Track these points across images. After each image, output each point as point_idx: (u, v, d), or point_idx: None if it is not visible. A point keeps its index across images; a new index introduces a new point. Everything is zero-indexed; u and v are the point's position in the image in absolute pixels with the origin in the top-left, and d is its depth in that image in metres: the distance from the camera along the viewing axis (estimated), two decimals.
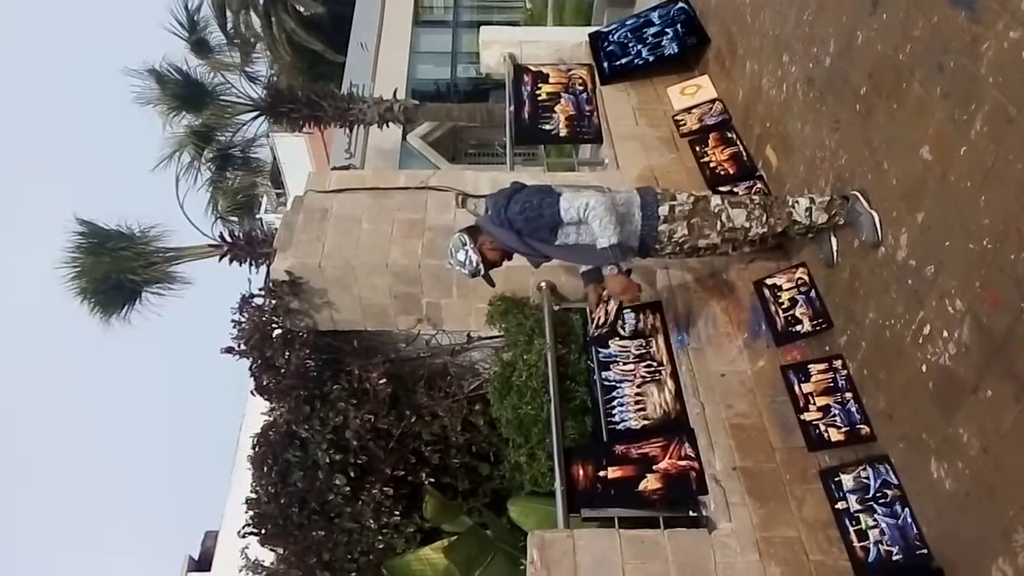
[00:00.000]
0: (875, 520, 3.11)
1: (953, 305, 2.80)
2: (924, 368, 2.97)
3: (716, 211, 3.46)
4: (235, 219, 9.52)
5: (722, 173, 4.77)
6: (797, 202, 3.56)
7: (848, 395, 3.46)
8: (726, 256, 3.93)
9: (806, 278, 3.94)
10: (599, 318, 3.68)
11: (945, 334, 2.85)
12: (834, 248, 3.62)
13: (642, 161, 5.10)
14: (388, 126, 10.25)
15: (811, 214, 3.51)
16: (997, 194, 2.55)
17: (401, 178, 5.07)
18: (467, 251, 3.40)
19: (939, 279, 2.89)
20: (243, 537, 5.43)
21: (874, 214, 3.28)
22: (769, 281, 4.05)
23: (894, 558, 3.00)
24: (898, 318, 3.16)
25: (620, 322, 4.06)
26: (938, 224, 2.90)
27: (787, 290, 3.95)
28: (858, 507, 3.18)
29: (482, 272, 3.47)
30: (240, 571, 12.54)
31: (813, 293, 3.87)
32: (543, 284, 4.51)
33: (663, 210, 3.41)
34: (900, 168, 3.15)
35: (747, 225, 3.48)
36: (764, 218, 3.49)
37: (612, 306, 3.61)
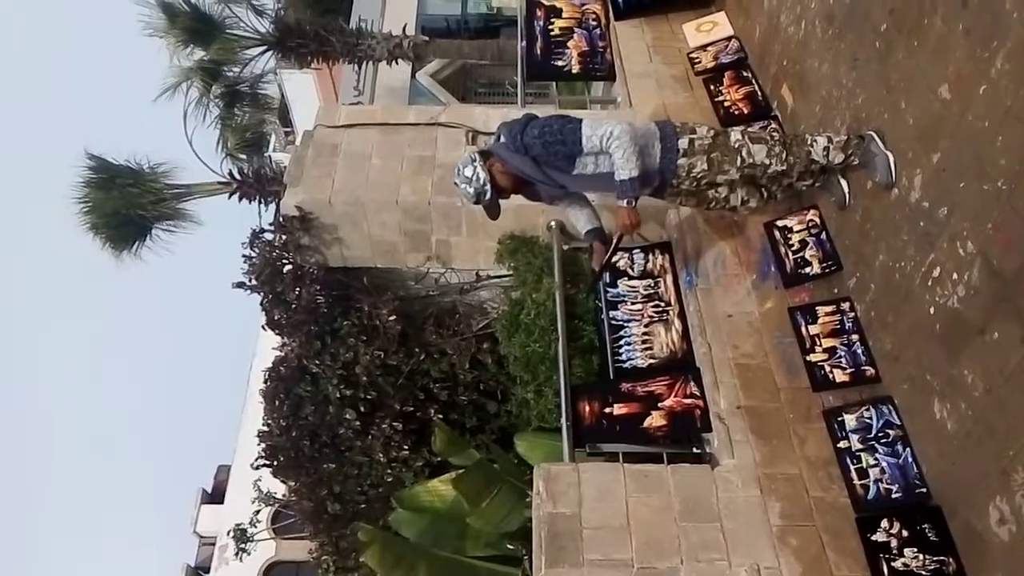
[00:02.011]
0: (876, 459, 3.16)
1: (964, 247, 2.79)
2: (932, 310, 2.97)
3: (736, 146, 3.35)
4: (244, 156, 9.45)
5: (736, 113, 4.70)
6: (815, 140, 3.49)
7: (855, 337, 3.48)
8: (735, 211, 3.77)
9: (817, 220, 3.91)
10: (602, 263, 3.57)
11: (955, 276, 2.85)
12: (845, 190, 3.57)
13: (656, 99, 5.02)
14: (397, 63, 10.07)
15: (828, 153, 3.43)
16: (1015, 134, 2.52)
17: (411, 114, 5.03)
18: (475, 167, 3.21)
19: (952, 221, 2.87)
20: (256, 469, 5.57)
21: (889, 155, 3.24)
22: (780, 223, 4.02)
23: (893, 496, 3.06)
24: (908, 260, 3.15)
25: (627, 260, 4.05)
26: (953, 165, 2.86)
27: (797, 232, 3.93)
28: (860, 446, 3.22)
29: (488, 195, 3.23)
30: (252, 502, 12.88)
31: (824, 235, 3.84)
32: (552, 223, 4.50)
33: (683, 143, 3.30)
34: (918, 108, 3.10)
35: (767, 162, 3.38)
36: (783, 155, 3.40)
37: (617, 241, 3.48)
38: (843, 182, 3.54)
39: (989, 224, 2.65)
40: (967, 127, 2.76)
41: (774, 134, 3.62)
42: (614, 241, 3.44)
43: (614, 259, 3.60)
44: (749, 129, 3.56)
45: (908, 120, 3.15)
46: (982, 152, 2.67)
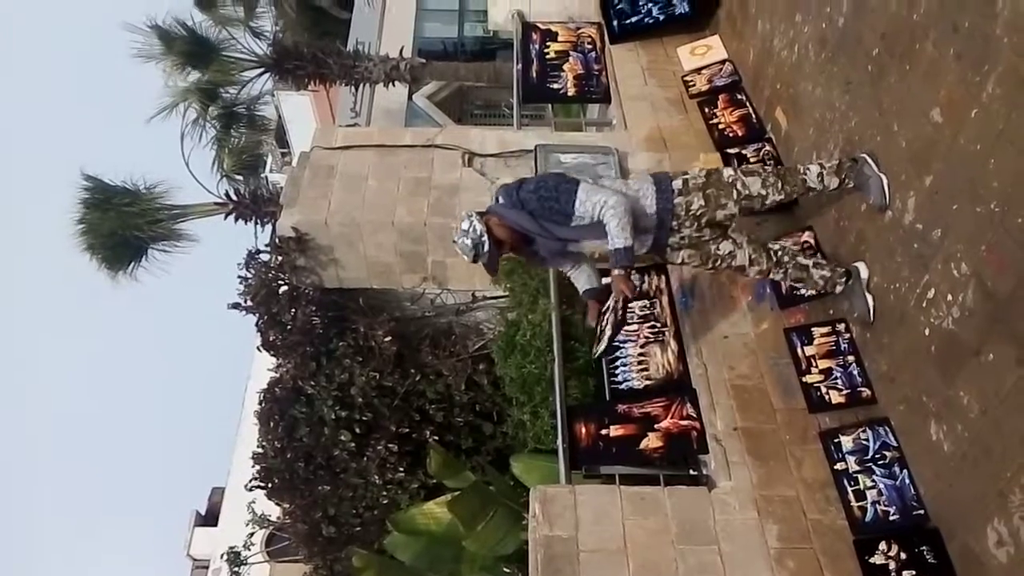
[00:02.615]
0: (873, 481, 3.15)
1: (958, 269, 2.80)
2: (927, 331, 2.98)
3: (730, 180, 3.34)
4: (240, 177, 9.48)
5: (731, 135, 4.74)
6: (808, 168, 3.51)
7: (850, 358, 3.48)
8: (743, 272, 3.56)
9: (812, 242, 3.93)
10: (605, 329, 3.39)
11: (949, 298, 2.86)
12: (870, 305, 3.38)
13: (651, 122, 5.06)
14: (394, 85, 10.14)
15: (823, 179, 3.43)
16: (1007, 157, 2.54)
17: (407, 136, 5.05)
18: (472, 221, 3.16)
19: (945, 243, 2.88)
20: (250, 491, 5.53)
21: (883, 177, 3.26)
22: (774, 246, 4.04)
23: (891, 518, 3.05)
24: (903, 282, 3.16)
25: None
26: (946, 187, 2.88)
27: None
28: (857, 468, 3.21)
29: (486, 247, 3.15)
30: (247, 525, 12.76)
31: (818, 256, 3.86)
32: None
33: (677, 184, 3.28)
34: (910, 131, 3.13)
35: (763, 192, 3.36)
36: (779, 184, 3.39)
37: (619, 308, 3.27)
38: (868, 297, 3.39)
39: (983, 246, 2.67)
40: (959, 150, 2.78)
41: (767, 167, 3.64)
42: (613, 306, 3.29)
43: (609, 327, 3.36)
44: (742, 162, 3.55)
45: (901, 143, 3.18)
46: (975, 175, 2.69)
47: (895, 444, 3.18)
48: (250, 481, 5.36)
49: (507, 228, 3.20)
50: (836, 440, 3.31)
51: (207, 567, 16.65)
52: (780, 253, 3.50)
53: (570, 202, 3.11)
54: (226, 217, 7.56)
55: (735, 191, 3.31)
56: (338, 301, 5.07)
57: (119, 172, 7.29)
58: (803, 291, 3.65)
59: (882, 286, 3.29)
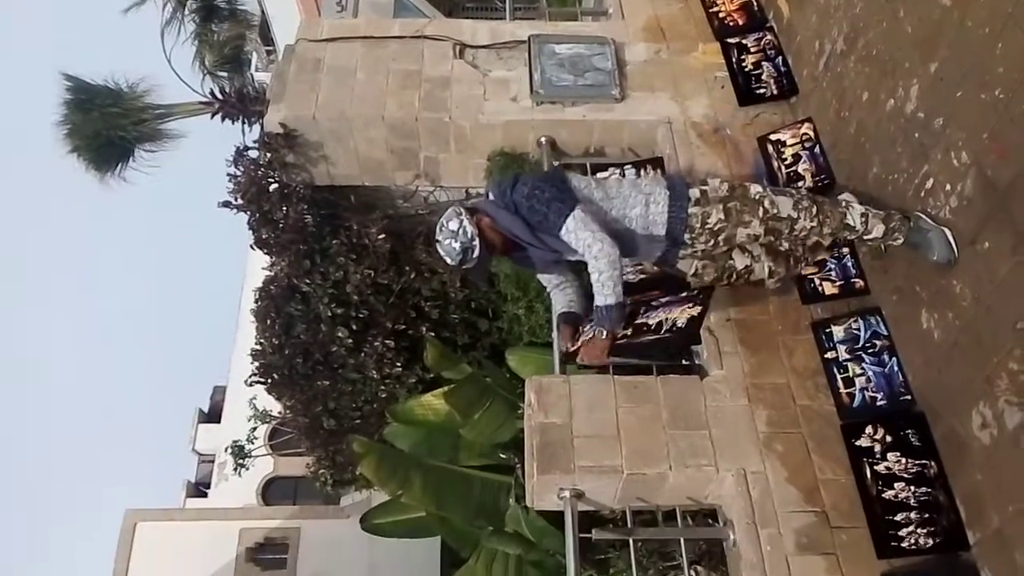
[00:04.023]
0: (862, 368, 3.22)
1: (959, 158, 2.78)
2: None
3: (757, 198, 2.95)
4: (224, 74, 9.20)
5: (731, 24, 4.59)
6: (852, 206, 3.08)
7: (844, 250, 3.49)
8: (762, 284, 3.31)
9: (811, 133, 3.87)
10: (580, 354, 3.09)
11: (948, 187, 2.85)
12: (951, 240, 2.85)
13: (648, 10, 4.89)
14: None
15: (867, 222, 3.03)
16: (1014, 41, 2.47)
17: (395, 27, 4.86)
18: (462, 220, 2.81)
19: (947, 131, 2.84)
20: (250, 386, 5.63)
21: (945, 230, 2.84)
22: (773, 137, 3.99)
23: (878, 403, 3.13)
24: (901, 173, 3.14)
25: (619, 175, 3.97)
26: (951, 74, 2.82)
27: (791, 145, 3.90)
28: (847, 356, 3.28)
29: (475, 251, 2.82)
30: (249, 420, 13.06)
31: (817, 149, 3.82)
32: (543, 139, 4.42)
33: (694, 192, 2.92)
34: (916, 15, 3.03)
35: (794, 215, 2.95)
36: (813, 210, 2.98)
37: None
38: (945, 229, 2.85)
39: (985, 134, 2.63)
40: (966, 34, 2.71)
41: (801, 191, 3.26)
42: (574, 348, 3.03)
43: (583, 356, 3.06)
44: (771, 187, 3.12)
45: (907, 28, 3.09)
46: (980, 60, 2.63)
47: (886, 333, 3.23)
48: (250, 377, 5.45)
49: (499, 232, 2.86)
50: (827, 330, 3.37)
51: (213, 461, 17.17)
52: (801, 255, 3.27)
53: (557, 226, 2.77)
54: (212, 116, 7.37)
55: (762, 208, 2.94)
56: (330, 199, 5.01)
57: (98, 72, 7.05)
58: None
59: (880, 177, 3.27)
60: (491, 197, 2.96)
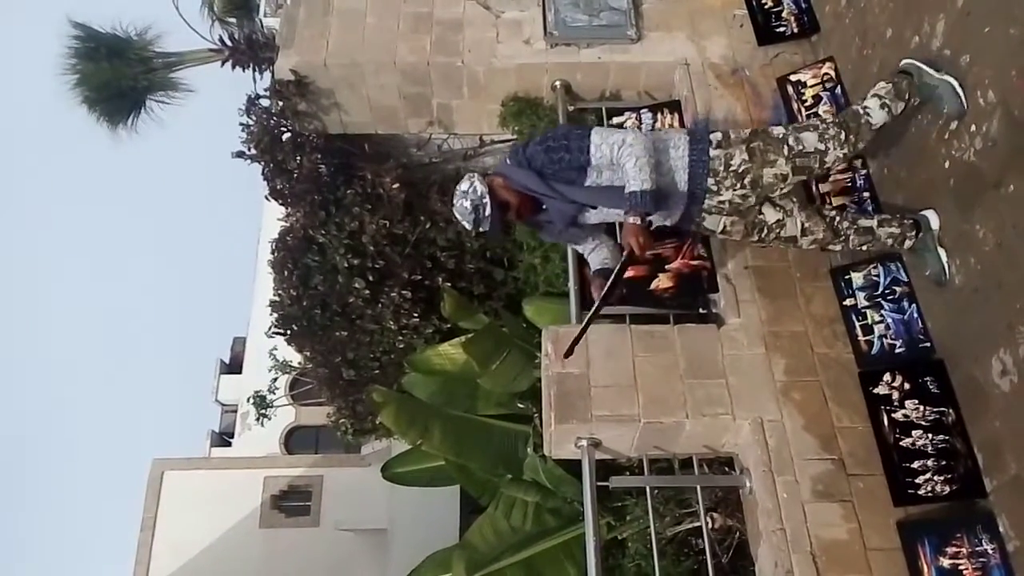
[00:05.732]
0: (881, 316, 3.18)
1: (985, 97, 2.69)
2: (947, 164, 2.91)
3: (780, 136, 2.87)
4: (233, 20, 9.07)
5: None
6: (868, 107, 2.97)
7: (866, 195, 3.43)
8: (794, 243, 3.11)
9: (832, 74, 3.77)
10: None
11: (973, 128, 2.77)
12: (944, 261, 2.97)
13: None
14: None
15: (888, 109, 2.95)
16: None
17: None
18: (472, 181, 2.80)
19: (973, 68, 2.75)
20: (270, 337, 5.68)
21: (950, 80, 2.84)
22: (793, 77, 3.88)
23: (897, 350, 3.10)
24: (925, 114, 3.05)
25: (635, 119, 3.89)
26: (979, 8, 2.73)
27: (812, 86, 3.80)
28: (866, 303, 3.24)
29: (487, 210, 2.77)
30: (270, 371, 13.21)
31: (839, 89, 3.72)
32: (558, 83, 4.34)
33: (715, 136, 2.84)
34: None
35: (821, 147, 2.85)
36: (841, 135, 2.88)
37: (620, 269, 2.79)
38: (941, 252, 2.97)
39: (1013, 71, 2.54)
40: None
41: (824, 117, 3.15)
42: (618, 266, 2.79)
43: (616, 290, 2.86)
44: (793, 123, 3.01)
45: None
46: None
47: (906, 279, 3.19)
48: (270, 328, 5.50)
49: (512, 190, 2.82)
50: (847, 276, 3.32)
51: (235, 411, 17.51)
52: (838, 220, 3.07)
53: (583, 149, 2.72)
54: (223, 64, 7.29)
55: (786, 146, 2.84)
56: (343, 148, 4.97)
57: (104, 18, 6.95)
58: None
59: (902, 119, 3.18)
60: (508, 162, 2.91)
